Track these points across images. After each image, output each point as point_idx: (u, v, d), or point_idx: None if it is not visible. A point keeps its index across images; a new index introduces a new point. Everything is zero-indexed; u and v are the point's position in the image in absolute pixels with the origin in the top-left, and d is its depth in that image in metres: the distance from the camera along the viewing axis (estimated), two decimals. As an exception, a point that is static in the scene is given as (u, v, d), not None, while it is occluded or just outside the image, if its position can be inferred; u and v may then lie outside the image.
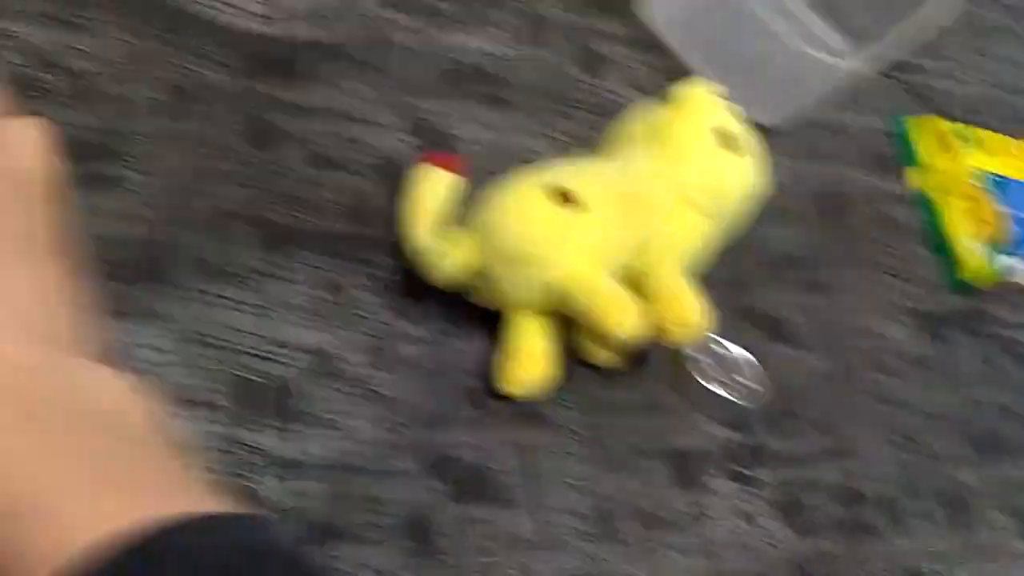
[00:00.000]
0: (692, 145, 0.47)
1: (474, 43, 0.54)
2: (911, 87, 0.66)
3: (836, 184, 0.60)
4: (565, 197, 0.42)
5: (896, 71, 0.67)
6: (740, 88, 0.58)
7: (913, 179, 0.63)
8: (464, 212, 0.44)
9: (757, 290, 0.54)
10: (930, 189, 0.62)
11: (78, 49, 0.44)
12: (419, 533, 0.39)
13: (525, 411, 0.44)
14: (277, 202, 0.44)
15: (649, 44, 0.60)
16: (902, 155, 0.64)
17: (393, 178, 0.48)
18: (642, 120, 0.48)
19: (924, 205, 0.62)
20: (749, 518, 0.45)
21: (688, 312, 0.44)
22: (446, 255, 0.43)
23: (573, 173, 0.44)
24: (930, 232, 0.61)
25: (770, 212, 0.57)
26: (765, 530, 0.45)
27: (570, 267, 0.42)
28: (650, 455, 0.45)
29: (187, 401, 0.37)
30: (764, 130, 0.59)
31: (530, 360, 0.44)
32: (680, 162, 0.47)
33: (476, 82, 0.53)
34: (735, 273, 0.54)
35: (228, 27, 0.49)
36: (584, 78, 0.57)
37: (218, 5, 0.49)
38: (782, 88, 0.59)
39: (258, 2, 0.50)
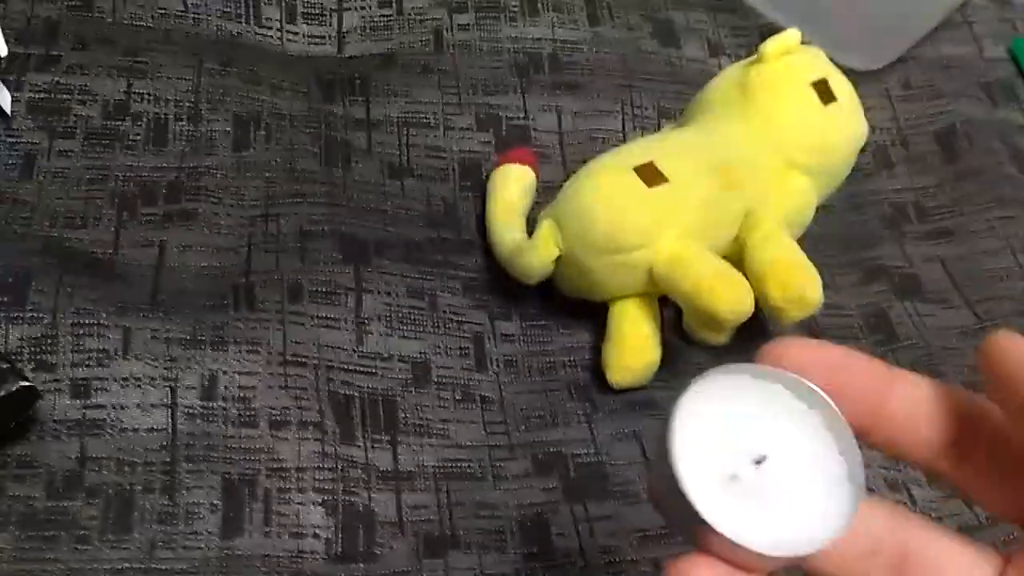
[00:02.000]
0: (789, 102, 0.46)
1: (540, 31, 0.55)
2: (1021, 8, 0.64)
3: (956, 121, 0.57)
4: (653, 175, 0.42)
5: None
6: (836, 36, 0.57)
7: (1044, 105, 0.60)
8: (550, 202, 0.45)
9: (881, 245, 0.52)
10: (1063, 113, 0.59)
11: (142, 94, 0.47)
12: (539, 537, 0.39)
13: (637, 400, 0.44)
14: (360, 217, 0.46)
15: (729, 6, 0.59)
16: (1027, 81, 0.61)
17: (474, 179, 0.50)
18: (732, 82, 0.47)
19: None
20: (895, 487, 0.44)
21: (804, 287, 0.42)
22: (535, 251, 0.43)
23: (660, 148, 0.44)
24: (1071, 160, 0.58)
25: (887, 159, 0.56)
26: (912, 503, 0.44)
27: (669, 250, 0.42)
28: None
29: (288, 423, 0.39)
30: (870, 75, 0.58)
31: (636, 347, 0.44)
32: (778, 121, 0.45)
33: (547, 71, 0.54)
34: (856, 230, 0.53)
35: (288, 53, 0.52)
36: (661, 50, 0.57)
37: (273, 33, 0.52)
38: (881, 29, 0.58)
39: (314, 25, 0.53)
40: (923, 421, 0.23)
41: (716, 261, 0.42)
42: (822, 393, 0.23)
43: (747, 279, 0.42)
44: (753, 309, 0.41)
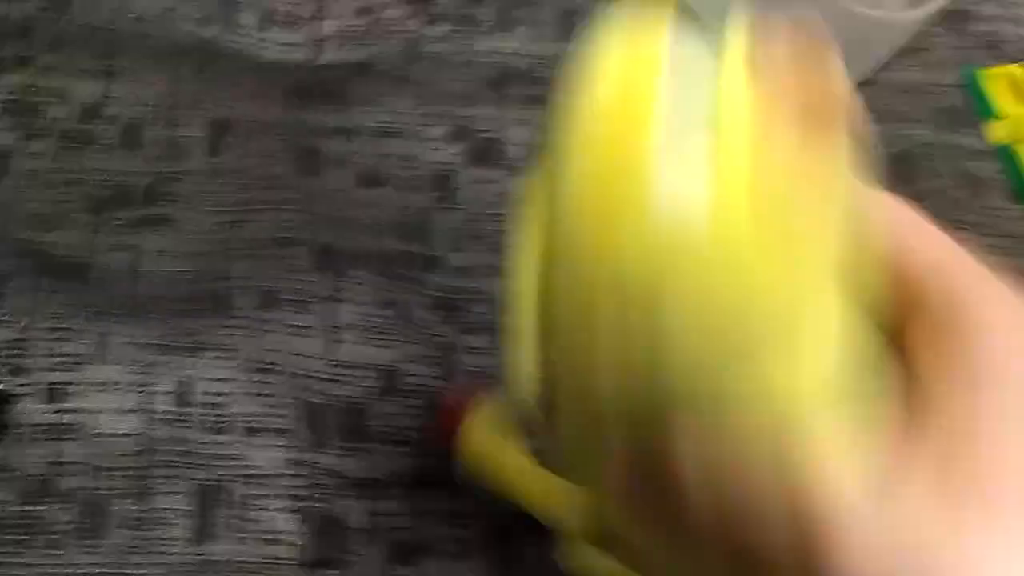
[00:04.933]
0: None
1: (512, 45, 0.56)
2: (977, 37, 0.66)
3: (909, 144, 0.60)
4: None
5: (959, 22, 0.66)
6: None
7: (993, 132, 0.63)
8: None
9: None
10: (1012, 140, 0.62)
11: (117, 97, 0.47)
12: (507, 545, 0.40)
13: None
14: (331, 225, 0.47)
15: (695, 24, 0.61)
16: (978, 109, 0.63)
17: (445, 190, 0.51)
18: None
19: (1007, 158, 0.61)
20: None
21: None
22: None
23: None
24: (1016, 185, 0.60)
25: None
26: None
27: None
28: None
29: (261, 430, 0.40)
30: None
31: None
32: None
33: (519, 84, 0.55)
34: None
35: (264, 60, 0.52)
36: (630, 67, 0.58)
37: (249, 40, 0.52)
38: (842, 53, 0.60)
39: (290, 32, 0.53)
40: None
41: None
42: None
43: None
44: None
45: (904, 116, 0.61)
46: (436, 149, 0.52)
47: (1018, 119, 0.62)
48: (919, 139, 0.60)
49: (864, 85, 0.61)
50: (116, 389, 0.38)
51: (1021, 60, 0.65)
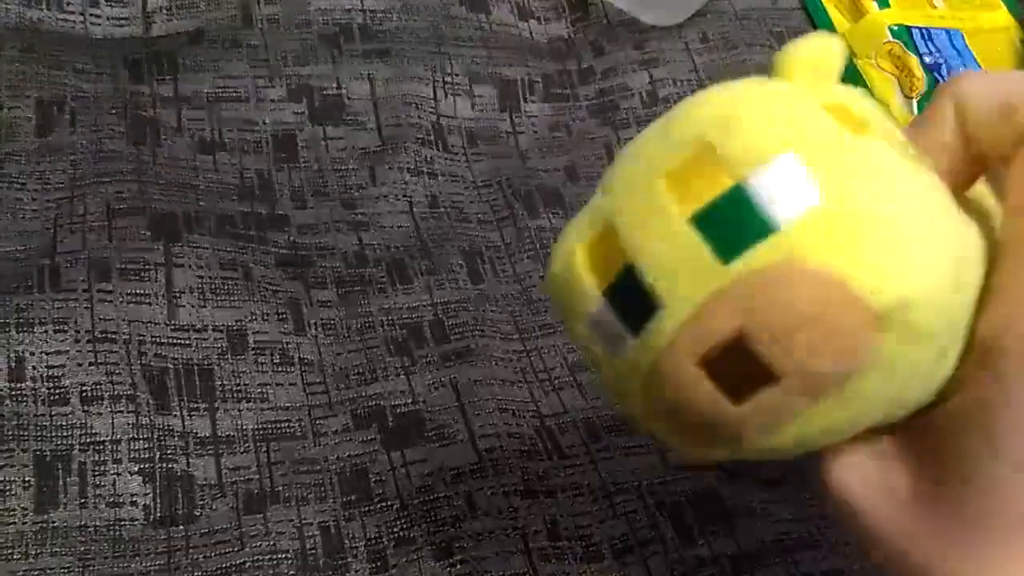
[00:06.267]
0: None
1: (349, 2, 0.56)
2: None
3: (752, 69, 0.60)
4: None
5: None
6: (633, -5, 0.60)
7: (835, 50, 0.64)
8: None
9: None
10: (852, 55, 0.63)
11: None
12: (358, 485, 0.41)
13: (453, 350, 0.46)
14: (167, 193, 0.47)
15: (535, -30, 0.61)
16: (818, 28, 0.65)
17: (288, 150, 0.50)
18: None
19: (848, 73, 0.63)
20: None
21: None
22: None
23: None
24: (859, 99, 0.62)
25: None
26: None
27: None
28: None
29: (101, 398, 0.39)
30: (671, 30, 0.60)
31: None
32: None
33: (358, 40, 0.55)
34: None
35: (95, 37, 0.51)
36: (471, 16, 0.58)
37: (77, 19, 0.51)
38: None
39: (118, 7, 0.52)
40: None
41: None
42: None
43: None
44: None
45: (745, 41, 0.62)
46: (276, 110, 0.52)
47: (855, 34, 0.63)
48: (761, 64, 0.61)
49: (703, 15, 0.61)
50: (-57, 371, 0.38)
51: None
